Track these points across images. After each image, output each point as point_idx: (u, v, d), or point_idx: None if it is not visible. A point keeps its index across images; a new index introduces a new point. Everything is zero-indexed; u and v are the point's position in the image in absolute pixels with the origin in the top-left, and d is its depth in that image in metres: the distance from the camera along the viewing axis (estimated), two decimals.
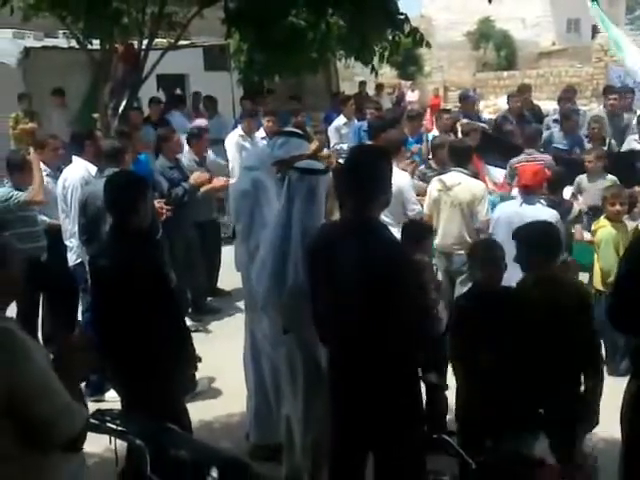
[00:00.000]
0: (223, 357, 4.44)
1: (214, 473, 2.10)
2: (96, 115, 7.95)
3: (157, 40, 8.11)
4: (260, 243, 3.16)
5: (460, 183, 4.71)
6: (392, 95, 16.35)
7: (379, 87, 13.34)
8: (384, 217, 4.37)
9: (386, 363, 2.41)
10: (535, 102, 9.76)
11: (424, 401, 2.72)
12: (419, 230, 3.61)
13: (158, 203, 4.91)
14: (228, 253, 6.52)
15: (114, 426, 2.19)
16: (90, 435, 2.16)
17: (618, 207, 4.32)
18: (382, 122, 6.06)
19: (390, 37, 5.16)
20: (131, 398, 2.91)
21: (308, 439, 2.98)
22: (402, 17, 4.63)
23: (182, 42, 8.87)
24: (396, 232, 4.49)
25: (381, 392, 2.42)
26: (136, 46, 7.73)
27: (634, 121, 7.70)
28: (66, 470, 1.98)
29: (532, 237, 2.82)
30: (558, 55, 25.42)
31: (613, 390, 2.81)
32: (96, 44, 7.81)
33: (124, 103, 7.56)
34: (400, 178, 4.64)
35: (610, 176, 5.31)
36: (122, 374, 2.94)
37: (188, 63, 11.69)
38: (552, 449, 2.20)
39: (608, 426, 2.79)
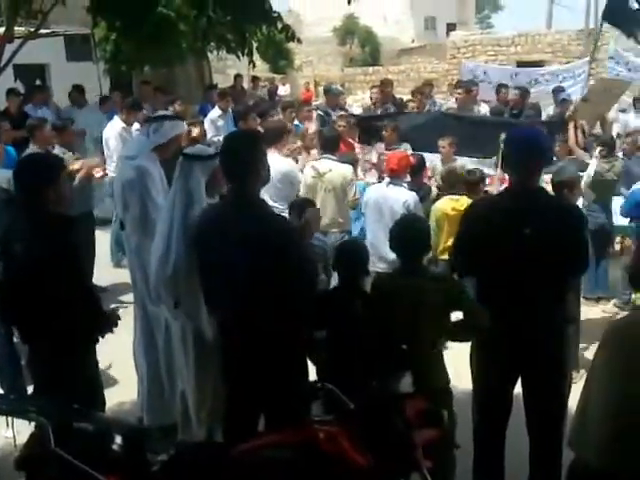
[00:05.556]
0: (107, 351, 4.46)
1: (118, 440, 2.23)
2: None
3: (15, 28, 7.70)
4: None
5: (331, 169, 5.10)
6: (264, 88, 16.56)
7: (255, 80, 13.50)
8: (274, 203, 4.67)
9: (273, 328, 2.66)
10: (398, 96, 10.47)
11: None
12: (303, 205, 3.89)
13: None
14: (102, 249, 6.48)
15: (14, 407, 2.24)
16: None
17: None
18: (243, 109, 6.33)
19: (265, 32, 5.40)
20: (44, 381, 2.95)
21: (203, 409, 3.15)
22: (275, 15, 4.91)
23: (42, 30, 8.47)
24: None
25: (268, 356, 2.68)
26: None
27: (483, 112, 8.53)
28: None
29: (405, 238, 3.04)
30: (417, 52, 26.92)
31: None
32: None
33: None
34: (284, 164, 4.93)
35: (459, 160, 5.92)
36: (37, 354, 2.97)
37: (48, 53, 11.18)
38: (414, 383, 2.55)
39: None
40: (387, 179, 4.86)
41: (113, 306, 5.60)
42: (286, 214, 3.92)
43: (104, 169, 5.69)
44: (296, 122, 7.57)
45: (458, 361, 3.18)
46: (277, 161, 4.63)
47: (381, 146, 6.31)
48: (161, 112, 3.96)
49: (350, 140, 6.38)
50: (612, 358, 1.54)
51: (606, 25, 7.37)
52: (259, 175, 2.79)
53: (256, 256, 2.60)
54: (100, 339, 3.09)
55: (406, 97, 10.20)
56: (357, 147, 6.47)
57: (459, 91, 8.26)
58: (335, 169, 5.10)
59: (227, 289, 2.71)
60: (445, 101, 10.33)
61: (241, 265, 2.63)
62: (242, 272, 2.63)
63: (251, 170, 2.75)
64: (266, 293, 2.64)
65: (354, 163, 5.45)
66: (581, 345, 4.41)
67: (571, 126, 6.62)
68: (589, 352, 4.55)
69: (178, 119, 4.00)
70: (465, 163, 5.81)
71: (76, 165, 5.33)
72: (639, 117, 8.56)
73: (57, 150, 5.69)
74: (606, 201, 5.80)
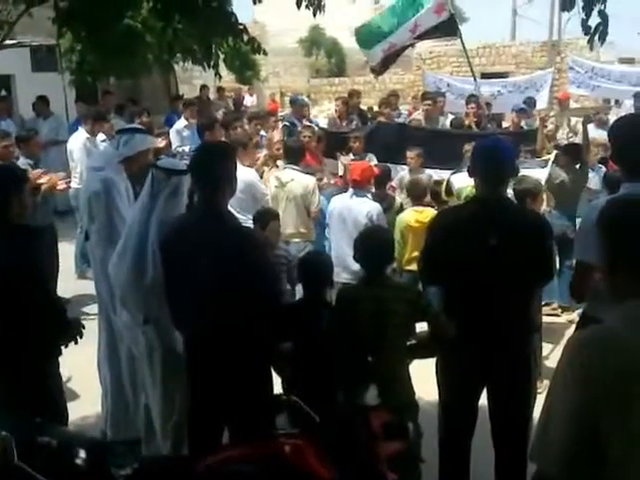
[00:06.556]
0: (71, 364, 4.39)
1: (82, 454, 2.21)
2: None
3: None
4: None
5: (293, 179, 5.16)
6: (230, 99, 16.55)
7: (220, 90, 13.52)
8: (237, 213, 4.69)
9: (238, 342, 2.66)
10: (364, 107, 10.59)
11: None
12: (266, 215, 3.91)
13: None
14: (66, 261, 6.39)
15: None
16: None
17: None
18: (207, 121, 6.37)
19: (231, 44, 5.45)
20: (6, 394, 2.88)
21: (169, 423, 3.13)
22: (241, 27, 4.97)
23: (8, 41, 8.39)
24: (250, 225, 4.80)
25: (233, 369, 2.68)
26: None
27: (447, 123, 8.63)
28: None
29: (369, 248, 3.08)
30: None
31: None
32: None
33: None
34: (246, 174, 4.94)
35: (427, 171, 6.00)
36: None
37: (13, 63, 11.04)
38: (380, 396, 2.57)
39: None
40: (351, 190, 4.89)
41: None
42: (249, 224, 3.95)
43: (68, 182, 5.63)
44: (262, 133, 7.61)
45: (425, 373, 3.19)
46: (240, 172, 4.64)
47: (347, 157, 6.36)
48: (131, 125, 3.96)
49: (317, 151, 6.43)
50: (570, 371, 1.55)
51: (569, 36, 7.57)
52: (230, 187, 2.81)
53: (225, 269, 2.61)
54: (63, 352, 3.06)
55: (374, 108, 10.35)
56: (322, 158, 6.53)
57: (427, 102, 8.34)
58: (297, 179, 5.15)
59: (195, 301, 2.71)
60: (407, 110, 10.47)
61: (211, 278, 2.63)
62: (211, 285, 2.63)
63: (224, 182, 2.76)
64: (233, 306, 2.64)
65: (319, 175, 5.49)
66: (544, 354, 4.47)
67: (540, 137, 6.73)
68: (552, 362, 4.63)
69: (149, 133, 4.00)
70: (431, 174, 5.90)
71: (41, 179, 5.26)
72: (598, 129, 8.79)
73: (22, 161, 5.63)
74: (568, 208, 5.80)
